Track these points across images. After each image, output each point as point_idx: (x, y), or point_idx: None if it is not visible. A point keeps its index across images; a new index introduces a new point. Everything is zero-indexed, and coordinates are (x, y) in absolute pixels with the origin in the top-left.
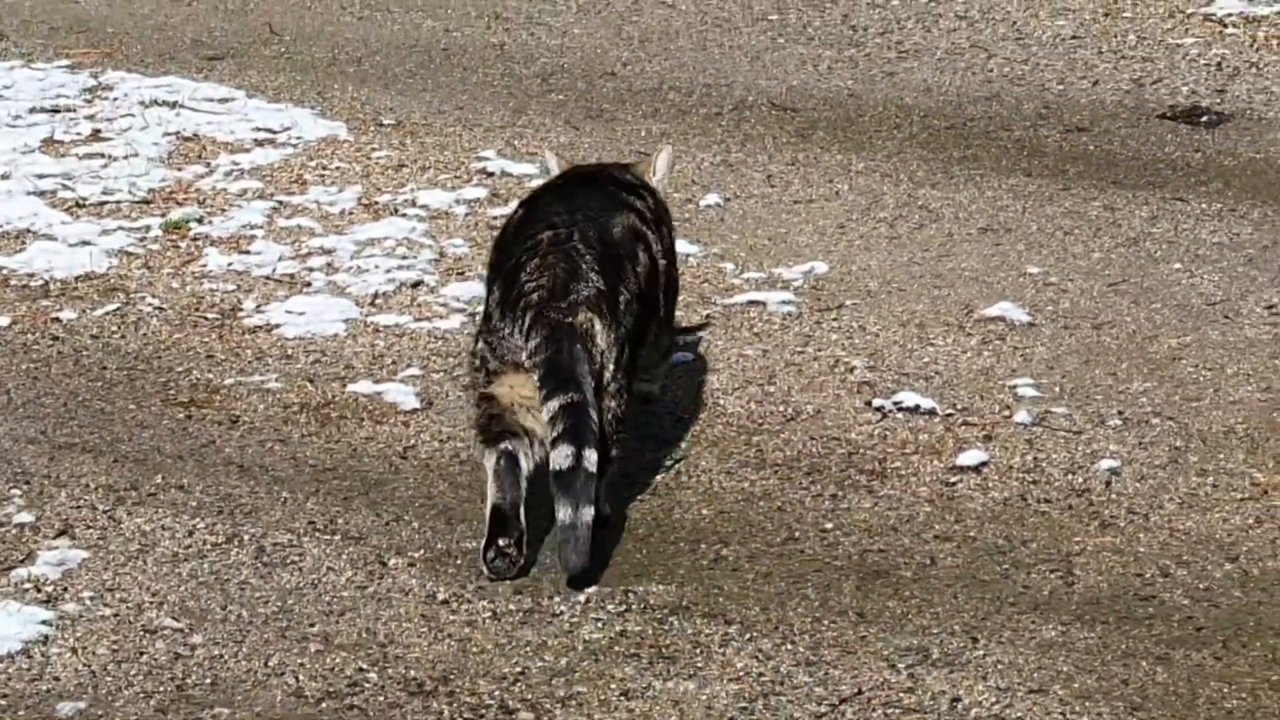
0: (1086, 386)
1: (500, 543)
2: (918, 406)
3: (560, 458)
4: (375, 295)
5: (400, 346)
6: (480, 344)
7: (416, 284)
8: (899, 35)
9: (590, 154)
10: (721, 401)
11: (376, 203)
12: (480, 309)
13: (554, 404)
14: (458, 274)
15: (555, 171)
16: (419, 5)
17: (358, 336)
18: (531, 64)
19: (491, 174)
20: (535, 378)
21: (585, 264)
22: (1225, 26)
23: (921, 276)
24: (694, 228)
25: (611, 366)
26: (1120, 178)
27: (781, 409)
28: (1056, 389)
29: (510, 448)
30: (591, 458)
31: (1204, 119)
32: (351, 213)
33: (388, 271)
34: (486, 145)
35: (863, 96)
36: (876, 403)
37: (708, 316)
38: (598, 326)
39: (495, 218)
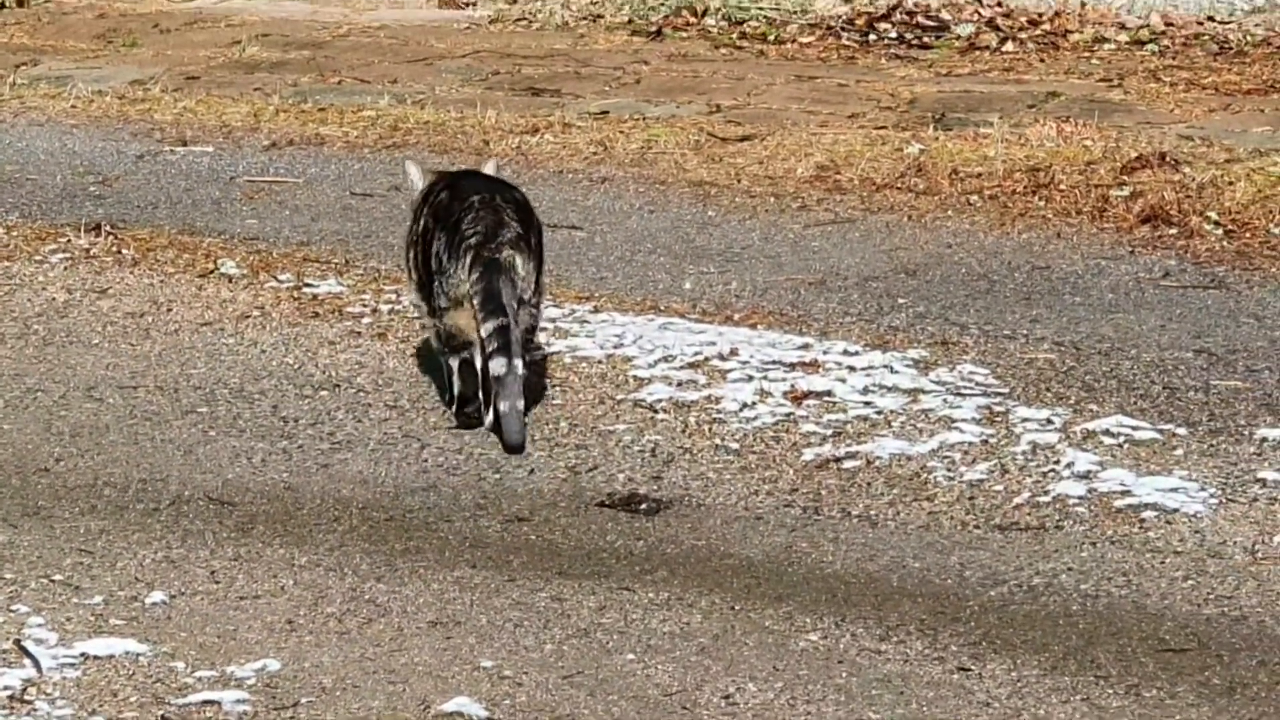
0: None
1: (467, 409)
2: None
3: (497, 366)
4: None
5: None
6: (415, 294)
7: None
8: (330, 426)
9: (31, 553)
10: None
11: None
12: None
13: (489, 325)
14: None
15: (418, 177)
16: None
17: None
18: None
19: None
20: (475, 302)
21: (507, 215)
22: (656, 413)
23: (375, 672)
24: (141, 626)
25: (532, 288)
26: (565, 568)
27: None
28: None
29: (468, 355)
30: (519, 364)
31: (643, 506)
32: None
33: None
34: None
35: (299, 489)
36: None
37: (163, 717)
38: (518, 260)
39: None
